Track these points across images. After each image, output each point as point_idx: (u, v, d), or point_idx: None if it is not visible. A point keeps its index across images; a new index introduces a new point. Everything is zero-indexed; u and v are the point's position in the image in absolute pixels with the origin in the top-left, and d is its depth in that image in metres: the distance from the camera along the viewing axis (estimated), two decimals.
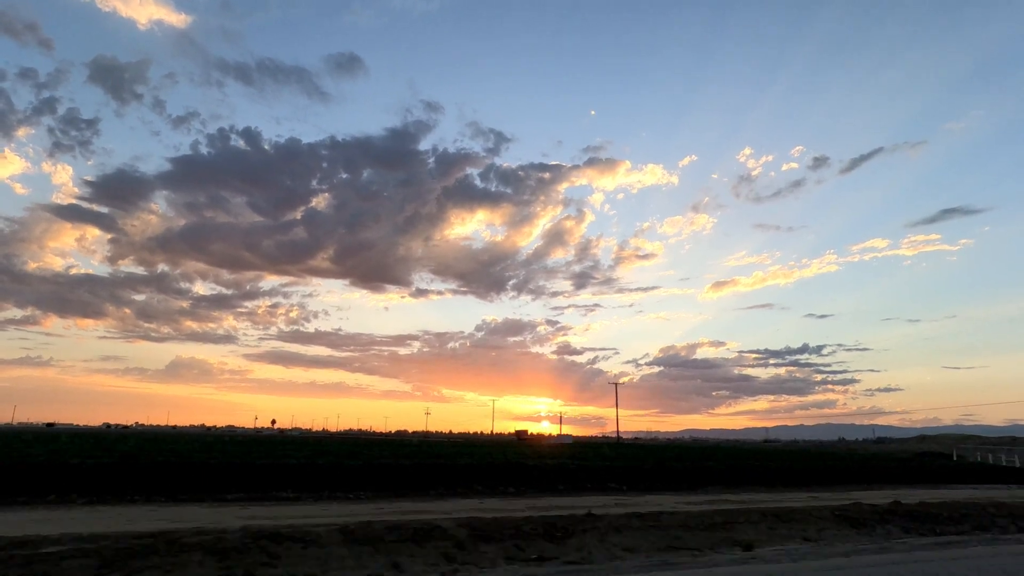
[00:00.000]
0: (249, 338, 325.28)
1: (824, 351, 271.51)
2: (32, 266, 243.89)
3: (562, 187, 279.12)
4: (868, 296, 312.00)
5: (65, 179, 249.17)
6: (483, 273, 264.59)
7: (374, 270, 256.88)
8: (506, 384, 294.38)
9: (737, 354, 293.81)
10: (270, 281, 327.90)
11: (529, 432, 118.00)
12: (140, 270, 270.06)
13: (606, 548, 8.33)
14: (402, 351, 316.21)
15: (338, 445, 41.33)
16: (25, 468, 15.27)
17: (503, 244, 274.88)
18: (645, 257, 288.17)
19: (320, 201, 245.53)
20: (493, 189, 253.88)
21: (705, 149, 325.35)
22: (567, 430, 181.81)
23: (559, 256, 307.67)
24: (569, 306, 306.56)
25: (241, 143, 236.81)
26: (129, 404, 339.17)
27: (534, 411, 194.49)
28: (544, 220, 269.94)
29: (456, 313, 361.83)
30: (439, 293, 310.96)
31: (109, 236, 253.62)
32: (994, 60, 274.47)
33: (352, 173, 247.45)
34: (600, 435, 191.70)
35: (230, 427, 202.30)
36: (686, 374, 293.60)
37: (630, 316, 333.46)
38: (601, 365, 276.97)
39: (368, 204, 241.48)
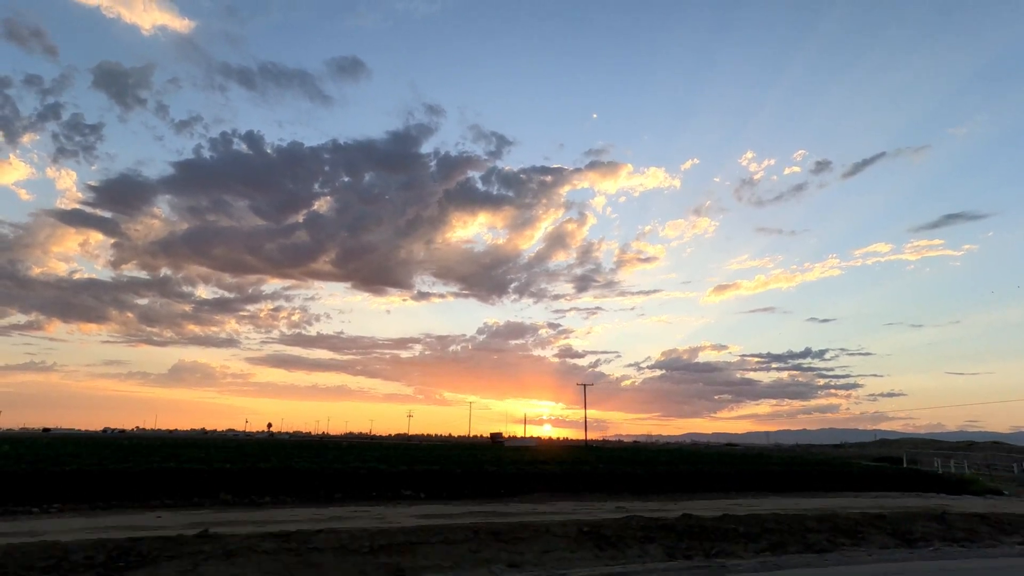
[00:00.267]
0: (251, 342, 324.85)
1: (827, 355, 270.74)
2: (36, 271, 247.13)
3: (564, 190, 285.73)
4: (871, 301, 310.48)
5: (69, 184, 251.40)
6: (485, 276, 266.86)
7: (376, 273, 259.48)
8: (508, 387, 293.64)
9: (739, 358, 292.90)
10: (272, 284, 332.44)
11: (504, 435, 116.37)
12: (143, 274, 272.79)
13: None
14: (404, 354, 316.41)
15: (301, 448, 40.45)
16: None
17: (505, 247, 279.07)
18: (647, 260, 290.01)
19: (322, 204, 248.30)
20: (495, 192, 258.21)
21: (707, 152, 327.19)
22: (567, 433, 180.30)
23: (561, 259, 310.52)
24: (571, 309, 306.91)
25: (243, 147, 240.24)
26: (132, 409, 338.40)
27: (536, 414, 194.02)
28: (546, 223, 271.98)
29: (458, 316, 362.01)
30: (441, 296, 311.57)
31: (112, 241, 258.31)
32: (998, 65, 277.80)
33: (354, 176, 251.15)
34: (601, 438, 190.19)
35: (231, 430, 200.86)
36: (688, 377, 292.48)
37: (632, 319, 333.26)
38: (603, 368, 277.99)
39: (370, 207, 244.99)
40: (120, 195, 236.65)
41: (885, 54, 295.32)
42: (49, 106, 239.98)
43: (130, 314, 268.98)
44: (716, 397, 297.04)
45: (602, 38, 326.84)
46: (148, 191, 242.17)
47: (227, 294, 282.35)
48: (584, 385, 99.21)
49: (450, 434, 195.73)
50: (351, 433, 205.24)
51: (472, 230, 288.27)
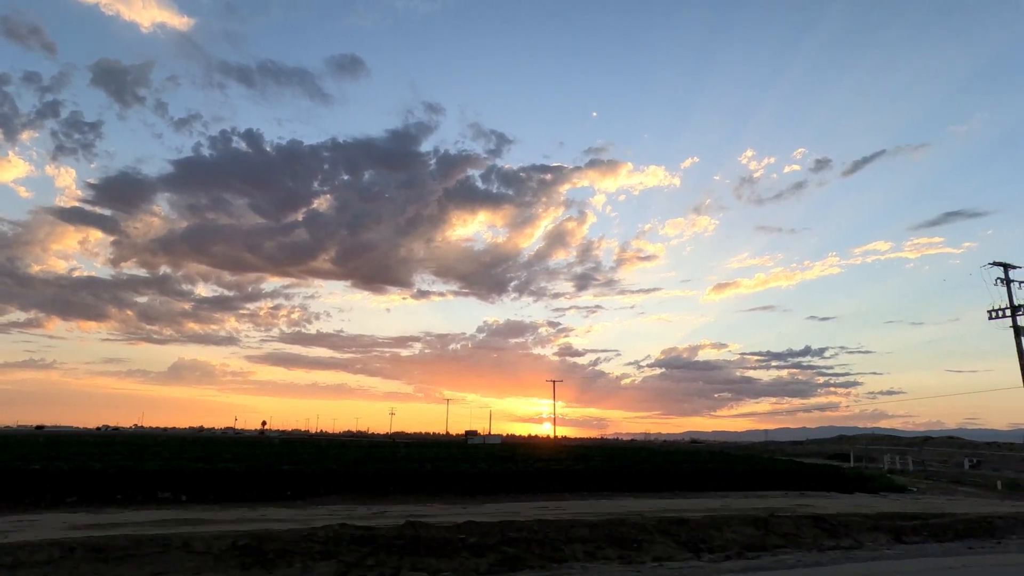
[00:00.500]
0: (251, 340, 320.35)
1: (826, 353, 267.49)
2: (35, 269, 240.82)
3: (564, 189, 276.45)
4: (870, 299, 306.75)
5: (68, 182, 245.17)
6: (485, 274, 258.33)
7: (376, 272, 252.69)
8: (508, 385, 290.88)
9: (739, 356, 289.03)
10: (272, 283, 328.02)
11: (479, 432, 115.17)
12: (142, 272, 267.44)
13: None
14: (404, 352, 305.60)
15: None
16: None
17: (505, 246, 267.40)
18: (647, 259, 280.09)
19: (322, 203, 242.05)
20: (495, 191, 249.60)
21: (707, 151, 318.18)
22: (567, 431, 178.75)
23: (560, 258, 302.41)
24: (571, 308, 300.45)
25: (243, 145, 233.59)
26: (132, 406, 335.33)
27: (535, 412, 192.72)
28: (546, 222, 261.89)
29: (458, 314, 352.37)
30: (440, 294, 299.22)
31: (112, 238, 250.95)
32: (998, 63, 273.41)
33: (353, 175, 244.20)
34: (600, 436, 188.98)
35: (230, 428, 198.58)
36: (688, 376, 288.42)
37: (632, 318, 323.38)
38: (603, 367, 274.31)
39: (369, 206, 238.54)
40: (119, 193, 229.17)
41: (885, 53, 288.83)
42: (48, 103, 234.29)
43: (130, 312, 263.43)
44: (716, 395, 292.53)
45: (602, 37, 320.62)
46: (147, 189, 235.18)
47: (227, 292, 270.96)
48: (554, 381, 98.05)
49: (428, 432, 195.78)
50: (349, 432, 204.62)
51: (472, 228, 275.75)
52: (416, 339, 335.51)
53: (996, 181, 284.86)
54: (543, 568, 8.89)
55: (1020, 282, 41.25)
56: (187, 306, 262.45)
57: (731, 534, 11.03)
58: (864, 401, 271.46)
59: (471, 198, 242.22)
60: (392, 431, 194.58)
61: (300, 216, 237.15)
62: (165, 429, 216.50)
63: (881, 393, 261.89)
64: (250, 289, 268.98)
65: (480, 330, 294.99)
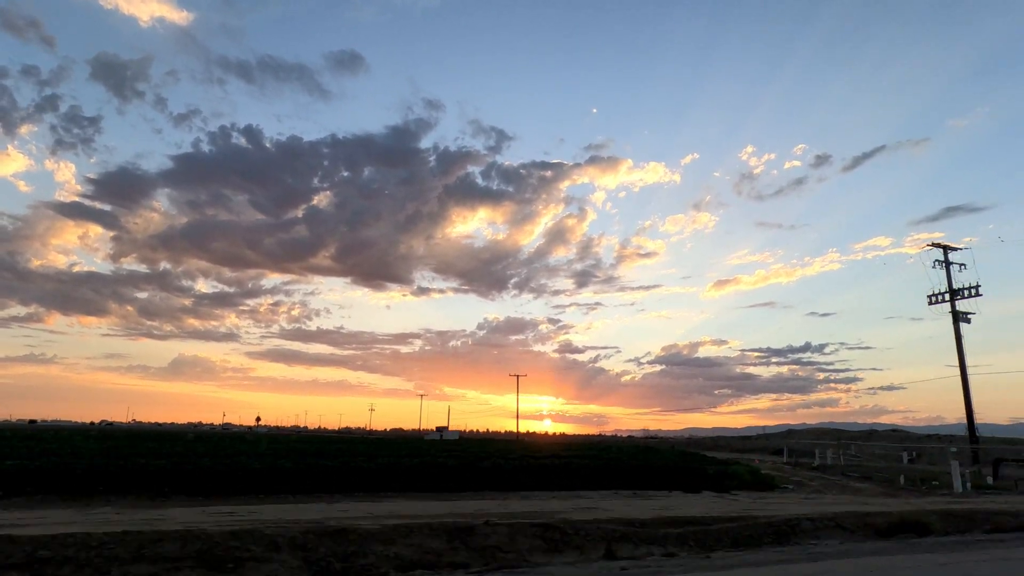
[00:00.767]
0: (251, 336, 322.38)
1: (826, 349, 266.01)
2: (35, 263, 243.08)
3: (564, 185, 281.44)
4: (870, 294, 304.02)
5: (68, 176, 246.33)
6: (485, 271, 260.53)
7: (376, 268, 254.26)
8: (508, 382, 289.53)
9: (739, 352, 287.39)
10: (272, 279, 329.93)
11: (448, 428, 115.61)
12: (142, 268, 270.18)
13: None
14: (404, 349, 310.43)
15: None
16: None
17: (505, 242, 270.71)
18: (647, 255, 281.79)
19: (321, 199, 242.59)
20: (495, 187, 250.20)
21: (707, 147, 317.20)
22: (568, 428, 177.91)
23: (561, 254, 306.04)
24: (571, 304, 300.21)
25: (242, 141, 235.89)
26: (132, 402, 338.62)
27: (536, 409, 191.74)
28: (546, 218, 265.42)
29: (458, 311, 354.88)
30: (441, 291, 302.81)
31: (111, 234, 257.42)
32: (999, 57, 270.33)
33: (353, 171, 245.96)
34: (599, 433, 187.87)
35: (228, 424, 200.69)
36: (688, 372, 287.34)
37: (632, 315, 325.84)
38: (603, 364, 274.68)
39: (369, 202, 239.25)
40: (119, 188, 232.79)
41: (885, 47, 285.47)
42: (47, 97, 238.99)
43: (130, 307, 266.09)
44: (716, 392, 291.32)
45: (601, 33, 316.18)
46: (147, 184, 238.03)
47: (227, 288, 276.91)
48: (517, 376, 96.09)
49: (401, 428, 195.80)
50: (347, 428, 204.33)
51: (472, 225, 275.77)
52: (416, 336, 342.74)
53: (997, 175, 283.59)
54: None
55: (961, 264, 39.47)
56: (187, 302, 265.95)
57: (404, 548, 8.77)
58: (864, 397, 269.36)
59: (471, 195, 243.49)
60: (392, 428, 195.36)
61: (300, 212, 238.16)
62: (159, 424, 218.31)
63: (881, 389, 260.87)
64: (250, 285, 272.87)
65: (480, 327, 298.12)
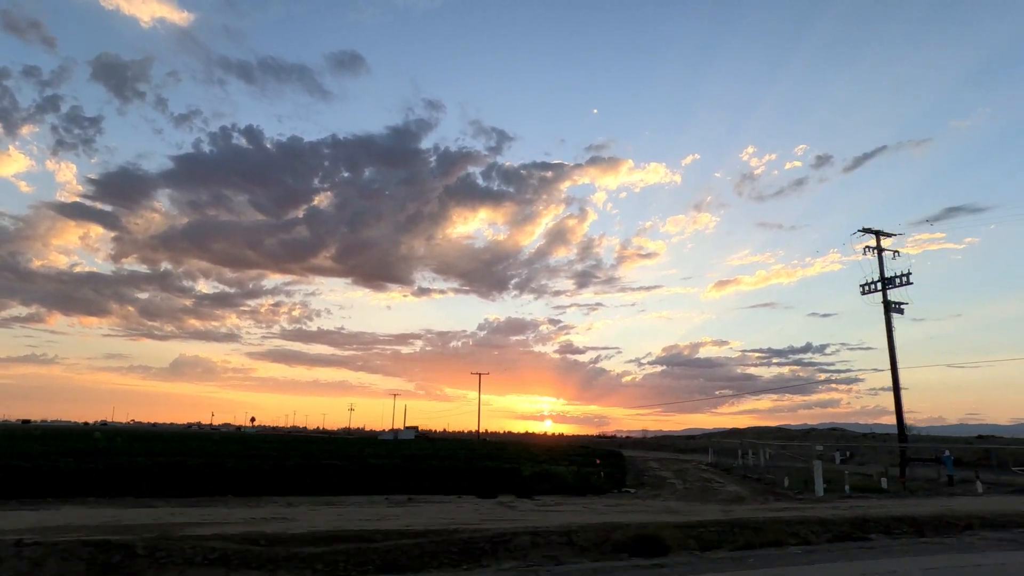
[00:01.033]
0: (252, 336, 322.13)
1: (827, 350, 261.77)
2: (36, 264, 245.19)
3: (564, 186, 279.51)
4: (872, 295, 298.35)
5: (69, 177, 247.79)
6: (485, 272, 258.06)
7: (376, 269, 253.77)
8: (509, 383, 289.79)
9: (740, 353, 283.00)
10: (273, 280, 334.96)
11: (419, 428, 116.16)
12: (143, 268, 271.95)
13: None
14: (404, 350, 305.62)
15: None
16: None
17: (505, 243, 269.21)
18: (647, 256, 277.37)
19: (322, 200, 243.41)
20: (495, 188, 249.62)
21: (708, 148, 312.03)
22: (569, 429, 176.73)
23: (561, 255, 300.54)
24: (571, 305, 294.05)
25: (243, 141, 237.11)
26: (133, 402, 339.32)
27: (537, 409, 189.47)
28: (546, 219, 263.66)
29: (458, 312, 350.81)
30: (441, 292, 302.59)
31: (112, 234, 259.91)
32: (1001, 57, 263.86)
33: (354, 172, 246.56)
34: (599, 434, 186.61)
35: (227, 424, 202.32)
36: (689, 373, 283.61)
37: (632, 315, 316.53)
38: (604, 364, 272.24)
39: (370, 203, 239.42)
40: (120, 188, 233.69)
41: (886, 47, 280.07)
42: (48, 98, 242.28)
43: (131, 308, 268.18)
44: (717, 392, 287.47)
45: (602, 33, 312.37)
46: (148, 185, 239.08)
47: (227, 289, 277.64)
48: (479, 374, 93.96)
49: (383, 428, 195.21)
50: (346, 428, 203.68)
51: (472, 226, 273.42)
52: (417, 336, 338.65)
53: (998, 176, 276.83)
54: None
55: (895, 251, 37.05)
56: (188, 302, 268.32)
57: None
58: (865, 397, 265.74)
59: (472, 195, 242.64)
60: (392, 427, 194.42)
61: (300, 213, 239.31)
62: (154, 424, 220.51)
63: (882, 389, 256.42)
64: (251, 286, 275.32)
65: (481, 328, 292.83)
